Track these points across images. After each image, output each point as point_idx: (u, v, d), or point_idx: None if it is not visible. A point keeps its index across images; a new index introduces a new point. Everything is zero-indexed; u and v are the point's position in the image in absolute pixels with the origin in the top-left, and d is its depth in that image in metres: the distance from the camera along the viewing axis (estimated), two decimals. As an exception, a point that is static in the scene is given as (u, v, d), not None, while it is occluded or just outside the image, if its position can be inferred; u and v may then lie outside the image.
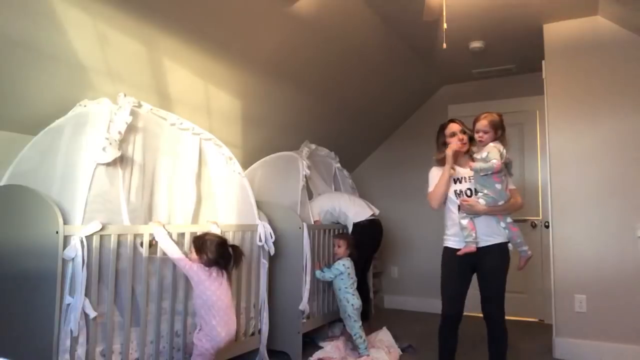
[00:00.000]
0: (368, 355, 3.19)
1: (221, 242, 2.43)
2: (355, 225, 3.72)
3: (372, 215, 3.81)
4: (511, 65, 4.48)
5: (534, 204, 4.64)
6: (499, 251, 2.50)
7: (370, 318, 3.92)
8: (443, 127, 2.67)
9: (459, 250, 2.49)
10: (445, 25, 2.83)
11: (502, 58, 4.32)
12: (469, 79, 4.92)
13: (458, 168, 2.61)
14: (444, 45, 2.92)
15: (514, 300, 4.62)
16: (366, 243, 3.74)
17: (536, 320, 4.48)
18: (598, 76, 3.41)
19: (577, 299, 3.34)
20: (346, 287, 3.31)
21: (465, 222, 2.46)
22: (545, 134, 3.57)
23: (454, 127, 2.63)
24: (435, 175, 2.63)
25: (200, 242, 2.41)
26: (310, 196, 3.94)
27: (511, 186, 2.55)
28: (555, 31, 3.57)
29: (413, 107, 5.16)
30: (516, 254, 2.54)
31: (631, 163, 3.26)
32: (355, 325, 3.27)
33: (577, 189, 3.40)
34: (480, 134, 2.47)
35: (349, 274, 3.34)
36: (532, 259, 4.53)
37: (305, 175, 3.66)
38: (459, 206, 2.53)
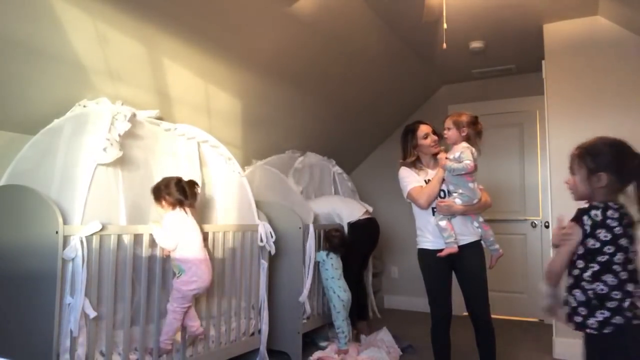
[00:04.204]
0: (346, 349, 3.22)
1: (168, 181, 2.43)
2: (352, 224, 3.72)
3: (367, 213, 3.80)
4: (511, 65, 4.48)
5: (534, 204, 4.64)
6: (477, 249, 2.53)
7: (369, 318, 3.92)
8: (413, 130, 2.67)
9: (437, 251, 2.47)
10: (445, 25, 2.84)
11: (502, 58, 4.32)
12: (469, 79, 4.92)
13: (429, 170, 2.62)
14: (444, 45, 2.93)
15: (514, 300, 4.63)
16: (363, 242, 3.74)
17: (536, 320, 4.47)
18: (598, 76, 3.40)
19: (577, 299, 3.34)
20: (332, 277, 3.36)
21: (443, 223, 2.45)
22: (545, 134, 3.57)
23: (426, 128, 2.65)
24: (410, 174, 2.62)
25: (156, 190, 2.41)
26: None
27: (480, 186, 2.56)
28: (555, 31, 3.57)
29: (413, 107, 5.15)
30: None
31: (631, 163, 3.26)
32: (338, 317, 3.27)
33: (577, 189, 3.40)
34: (445, 131, 2.53)
35: (332, 264, 3.37)
36: (532, 259, 4.64)
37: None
38: (433, 209, 2.52)
